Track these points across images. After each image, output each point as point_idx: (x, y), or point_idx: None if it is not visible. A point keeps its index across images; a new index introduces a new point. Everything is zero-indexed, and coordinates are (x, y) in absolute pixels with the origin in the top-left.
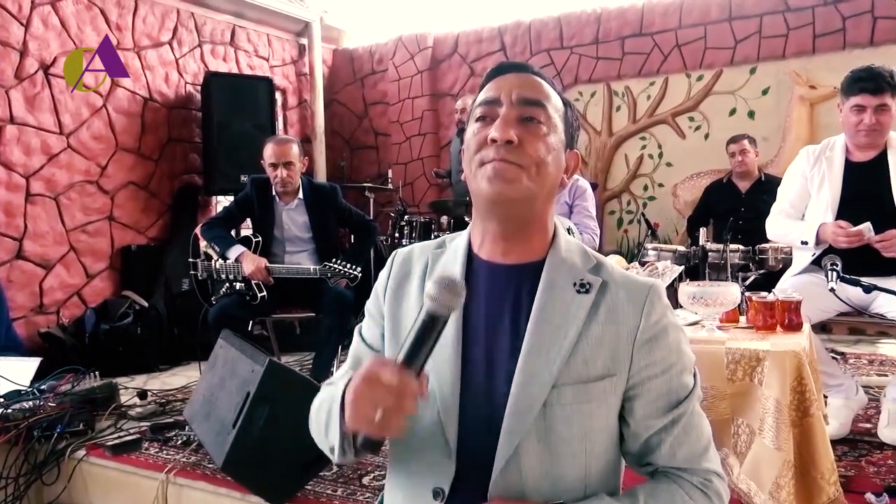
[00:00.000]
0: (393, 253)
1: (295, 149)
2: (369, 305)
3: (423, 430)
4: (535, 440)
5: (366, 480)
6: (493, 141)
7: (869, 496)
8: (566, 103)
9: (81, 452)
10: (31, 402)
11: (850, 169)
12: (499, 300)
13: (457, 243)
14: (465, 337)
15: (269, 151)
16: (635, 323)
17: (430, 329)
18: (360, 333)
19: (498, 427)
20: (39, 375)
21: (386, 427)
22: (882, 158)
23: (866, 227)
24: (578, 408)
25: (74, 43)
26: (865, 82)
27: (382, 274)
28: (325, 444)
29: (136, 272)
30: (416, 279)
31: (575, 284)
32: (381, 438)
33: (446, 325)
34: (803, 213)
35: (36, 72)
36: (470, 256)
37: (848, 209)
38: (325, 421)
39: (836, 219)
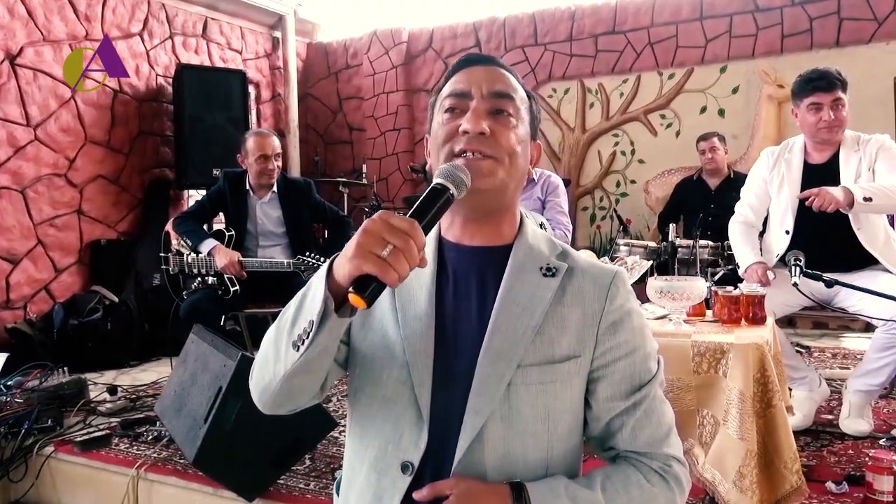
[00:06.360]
0: None
1: (278, 141)
2: None
3: (395, 401)
4: (498, 420)
5: (338, 474)
6: (465, 132)
7: (830, 484)
8: (530, 96)
9: (49, 449)
10: None
11: (808, 171)
12: (465, 282)
13: None
14: (436, 314)
15: (257, 144)
16: (600, 306)
17: (435, 197)
18: None
19: (463, 406)
20: (6, 371)
21: (389, 266)
22: (836, 158)
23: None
24: (543, 388)
25: (42, 33)
26: (817, 81)
27: None
28: (282, 345)
29: (105, 267)
30: None
31: (541, 268)
32: (375, 284)
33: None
34: (765, 215)
35: (1, 62)
36: (439, 239)
37: (806, 211)
38: (291, 315)
39: (796, 219)
